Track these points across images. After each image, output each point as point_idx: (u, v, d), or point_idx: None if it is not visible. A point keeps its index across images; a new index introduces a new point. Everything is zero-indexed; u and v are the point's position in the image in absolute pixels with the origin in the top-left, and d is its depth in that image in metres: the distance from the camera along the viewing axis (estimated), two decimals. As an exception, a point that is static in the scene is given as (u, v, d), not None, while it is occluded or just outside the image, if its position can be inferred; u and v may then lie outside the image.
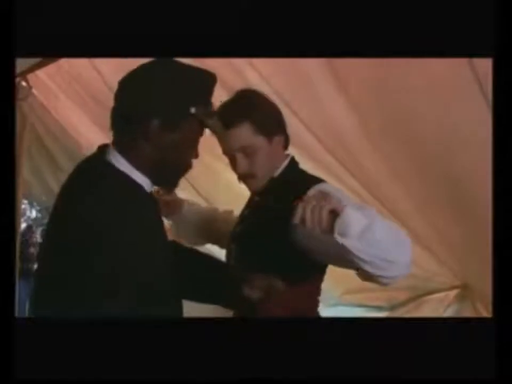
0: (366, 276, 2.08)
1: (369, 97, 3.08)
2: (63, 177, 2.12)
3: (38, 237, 12.17)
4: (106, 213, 1.91)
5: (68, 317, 1.86)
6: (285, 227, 2.30)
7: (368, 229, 1.97)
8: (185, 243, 2.92)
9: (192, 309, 2.28)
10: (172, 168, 2.12)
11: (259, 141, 2.47)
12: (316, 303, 2.57)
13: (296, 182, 2.47)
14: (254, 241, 2.50)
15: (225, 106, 2.51)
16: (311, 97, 3.30)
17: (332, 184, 2.62)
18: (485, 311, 4.13)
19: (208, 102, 2.14)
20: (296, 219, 1.93)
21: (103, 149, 2.12)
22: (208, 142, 2.51)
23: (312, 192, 2.28)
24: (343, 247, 1.97)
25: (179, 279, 2.13)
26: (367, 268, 2.01)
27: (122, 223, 1.91)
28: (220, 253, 3.04)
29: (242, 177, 2.54)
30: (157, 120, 2.02)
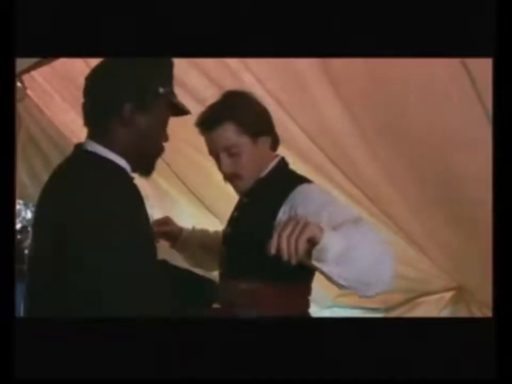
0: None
1: (365, 98, 3.09)
2: None
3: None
4: (88, 198, 1.94)
5: (68, 316, 1.86)
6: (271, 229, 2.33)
7: (347, 252, 1.95)
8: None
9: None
10: (147, 150, 2.18)
11: (243, 141, 2.46)
12: (307, 303, 2.56)
13: (284, 182, 2.46)
14: (243, 243, 2.49)
15: (211, 107, 2.53)
16: (306, 98, 3.30)
17: (322, 185, 2.62)
18: (480, 313, 4.14)
19: (171, 84, 2.24)
20: (272, 249, 1.88)
21: (78, 145, 2.18)
22: (201, 141, 2.52)
23: (286, 216, 2.30)
24: (321, 271, 1.97)
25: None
26: (349, 289, 2.01)
27: (106, 205, 1.94)
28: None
29: (228, 178, 2.53)
30: (129, 102, 2.10)
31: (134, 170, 2.19)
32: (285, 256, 1.87)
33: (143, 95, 2.12)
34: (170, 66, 2.25)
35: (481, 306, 4.13)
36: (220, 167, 2.53)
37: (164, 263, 2.11)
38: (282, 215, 2.35)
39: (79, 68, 4.18)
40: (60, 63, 4.11)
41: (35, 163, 5.43)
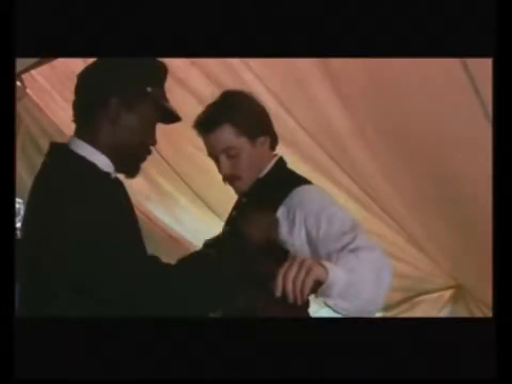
0: None
1: (365, 97, 3.09)
2: None
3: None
4: (70, 198, 1.95)
5: (68, 316, 1.86)
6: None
7: (351, 287, 2.01)
8: None
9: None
10: (131, 151, 2.16)
11: (242, 142, 2.45)
12: (306, 303, 2.56)
13: (282, 182, 2.46)
14: (241, 243, 2.50)
15: (208, 108, 2.52)
16: (306, 97, 3.31)
17: (323, 184, 2.62)
18: (479, 311, 4.15)
19: (162, 87, 2.23)
20: (277, 292, 1.89)
21: (61, 144, 2.25)
22: (201, 140, 2.52)
23: (284, 217, 2.34)
24: (326, 304, 2.04)
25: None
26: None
27: (85, 205, 1.94)
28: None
29: (228, 179, 2.53)
30: (115, 99, 2.10)
31: (118, 169, 2.18)
32: (291, 299, 1.88)
33: (129, 90, 2.12)
34: (163, 69, 2.24)
35: (480, 304, 4.14)
36: (219, 169, 2.53)
37: (155, 259, 2.09)
38: (280, 216, 2.36)
39: (79, 67, 4.18)
40: (59, 62, 4.12)
41: (35, 162, 5.42)
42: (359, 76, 2.92)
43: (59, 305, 1.94)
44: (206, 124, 2.47)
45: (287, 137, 2.69)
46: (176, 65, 3.69)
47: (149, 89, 2.15)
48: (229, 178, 2.51)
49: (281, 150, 2.67)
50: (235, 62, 3.37)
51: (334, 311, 2.06)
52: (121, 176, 2.23)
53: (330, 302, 2.01)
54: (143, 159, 2.23)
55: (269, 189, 2.46)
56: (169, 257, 2.47)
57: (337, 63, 2.91)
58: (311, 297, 2.33)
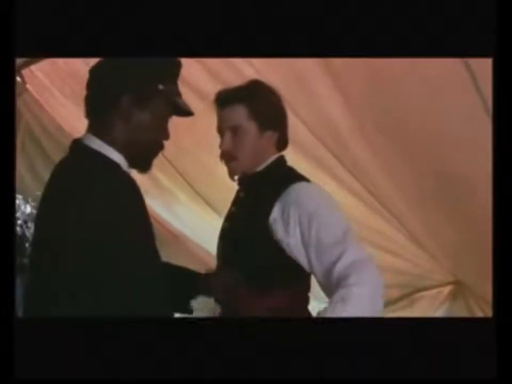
0: None
1: (366, 97, 3.09)
2: None
3: (32, 232, 12.11)
4: (86, 195, 1.93)
5: (68, 316, 1.86)
6: (267, 225, 2.35)
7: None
8: None
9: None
10: (144, 146, 2.16)
11: (250, 125, 2.48)
12: (306, 300, 2.57)
13: (280, 179, 2.47)
14: (240, 239, 2.50)
15: (231, 87, 2.55)
16: (308, 95, 3.31)
17: (323, 181, 2.63)
18: (478, 308, 4.16)
19: (175, 83, 2.25)
20: None
21: (77, 139, 2.16)
22: (204, 140, 2.53)
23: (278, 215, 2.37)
24: None
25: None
26: None
27: (100, 202, 1.93)
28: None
29: (225, 157, 2.54)
30: (127, 97, 2.09)
31: (131, 165, 2.17)
32: None
33: (141, 89, 2.12)
34: (177, 65, 2.26)
35: (479, 301, 4.14)
36: (221, 143, 2.54)
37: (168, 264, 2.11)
38: (276, 212, 2.37)
39: (79, 63, 4.19)
40: (59, 58, 4.11)
41: (34, 158, 5.43)
42: (361, 74, 2.93)
43: (76, 303, 1.92)
44: (223, 100, 2.53)
45: (289, 134, 2.69)
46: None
47: (161, 87, 2.15)
48: (226, 156, 2.53)
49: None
50: (238, 60, 3.37)
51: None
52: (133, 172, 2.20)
53: None
54: (156, 154, 2.23)
55: (267, 184, 2.47)
56: (167, 253, 2.48)
57: (338, 61, 2.91)
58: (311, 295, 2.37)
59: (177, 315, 2.14)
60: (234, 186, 2.69)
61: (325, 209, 2.38)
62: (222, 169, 2.62)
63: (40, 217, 2.10)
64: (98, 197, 1.93)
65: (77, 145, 2.13)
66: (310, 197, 2.40)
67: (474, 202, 3.22)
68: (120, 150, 2.11)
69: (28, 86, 5.09)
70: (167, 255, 2.35)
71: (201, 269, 2.75)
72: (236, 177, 2.59)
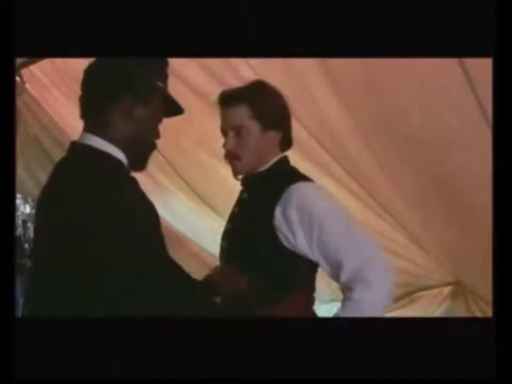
0: None
1: (364, 97, 3.10)
2: None
3: (32, 232, 12.15)
4: (89, 193, 1.93)
5: (68, 316, 1.86)
6: (271, 226, 2.35)
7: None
8: None
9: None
10: (143, 144, 2.18)
11: (252, 125, 2.49)
12: (311, 301, 2.57)
13: (283, 179, 2.47)
14: (243, 240, 2.50)
15: (233, 87, 2.56)
16: (306, 96, 3.31)
17: (323, 182, 2.63)
18: (477, 308, 4.16)
19: (166, 80, 2.24)
20: None
21: (74, 141, 2.15)
22: (204, 140, 2.53)
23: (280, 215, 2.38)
24: None
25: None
26: None
27: (106, 200, 1.93)
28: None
29: (229, 156, 2.54)
30: (128, 93, 2.10)
31: (130, 163, 2.17)
32: None
33: (141, 87, 2.13)
34: (166, 64, 2.26)
35: (479, 301, 4.14)
36: (224, 143, 2.55)
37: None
38: (278, 214, 2.37)
39: (78, 63, 4.18)
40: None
41: (33, 158, 5.42)
42: (359, 75, 2.93)
43: (71, 302, 1.93)
44: (226, 99, 2.53)
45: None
46: (174, 61, 3.69)
47: (159, 83, 2.17)
48: (230, 156, 2.53)
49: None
50: (236, 61, 3.37)
51: None
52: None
53: None
54: (151, 153, 2.24)
55: (270, 185, 2.47)
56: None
57: (336, 61, 2.91)
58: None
59: (177, 315, 2.13)
60: (233, 186, 2.69)
61: (325, 208, 2.38)
62: (221, 169, 2.62)
63: (41, 218, 2.09)
64: (104, 195, 1.93)
65: (77, 145, 2.12)
66: (309, 197, 2.39)
67: (473, 202, 3.23)
68: (120, 147, 2.11)
69: (27, 85, 5.09)
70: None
71: (201, 270, 2.75)
72: (240, 177, 2.59)
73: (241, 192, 2.65)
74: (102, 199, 1.92)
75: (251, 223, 2.48)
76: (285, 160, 2.59)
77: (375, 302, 2.27)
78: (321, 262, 2.36)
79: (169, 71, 2.25)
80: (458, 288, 4.33)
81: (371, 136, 3.27)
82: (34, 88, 5.14)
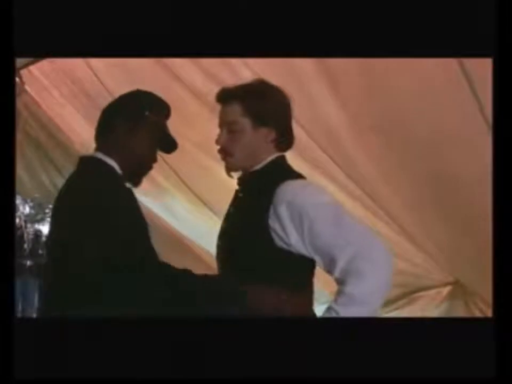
0: None
1: (363, 98, 3.10)
2: (55, 173, 2.23)
3: (31, 233, 12.19)
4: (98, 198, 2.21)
5: (68, 316, 1.86)
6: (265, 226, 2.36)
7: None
8: None
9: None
10: (138, 167, 2.53)
11: (244, 121, 2.48)
12: (310, 301, 2.56)
13: (278, 178, 2.46)
14: (238, 240, 2.50)
15: (231, 85, 2.57)
16: (304, 96, 3.31)
17: (321, 182, 2.62)
18: (476, 309, 4.16)
19: (162, 109, 2.58)
20: None
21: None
22: (203, 142, 2.53)
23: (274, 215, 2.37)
24: None
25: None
26: None
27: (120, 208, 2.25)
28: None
29: (221, 152, 2.55)
30: (122, 122, 2.46)
31: (126, 179, 2.50)
32: None
33: (133, 117, 2.47)
34: (166, 107, 2.58)
35: (477, 301, 4.15)
36: (217, 140, 2.56)
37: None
38: (271, 213, 2.37)
39: (77, 63, 4.19)
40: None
41: (32, 158, 5.42)
42: (358, 75, 2.93)
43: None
44: (222, 97, 2.54)
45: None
46: (173, 61, 3.70)
47: (147, 113, 2.47)
48: (223, 152, 2.54)
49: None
50: (235, 61, 3.37)
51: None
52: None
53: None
54: (146, 173, 2.59)
55: (264, 184, 2.46)
56: (164, 251, 2.50)
57: (335, 62, 2.92)
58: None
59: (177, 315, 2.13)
60: (232, 188, 2.69)
61: (315, 203, 2.37)
62: (222, 171, 2.62)
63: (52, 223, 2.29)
64: (115, 203, 2.26)
65: (85, 158, 2.48)
66: (299, 193, 2.38)
67: (472, 203, 3.23)
68: (119, 165, 2.46)
69: (26, 86, 5.09)
70: (163, 253, 2.38)
71: (202, 270, 2.76)
72: (233, 174, 2.59)
73: (237, 191, 2.65)
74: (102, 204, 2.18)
75: (246, 222, 2.47)
76: (281, 159, 2.57)
77: (368, 296, 2.26)
78: (316, 257, 2.35)
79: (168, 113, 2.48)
80: (457, 289, 4.33)
81: (369, 136, 3.27)
82: (34, 88, 5.14)
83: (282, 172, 2.51)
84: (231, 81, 3.11)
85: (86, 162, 2.46)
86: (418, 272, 4.34)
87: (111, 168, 2.43)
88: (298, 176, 2.49)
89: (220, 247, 2.63)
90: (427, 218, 3.71)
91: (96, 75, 4.28)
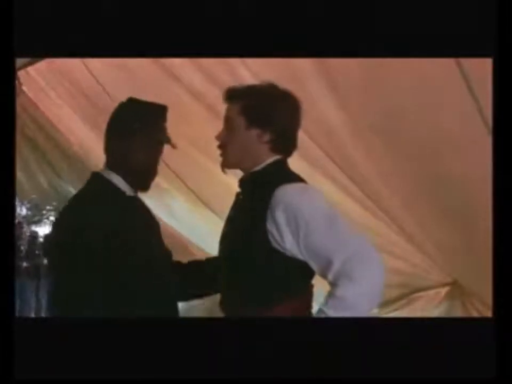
0: None
1: (362, 98, 3.10)
2: (53, 174, 2.26)
3: (28, 234, 12.17)
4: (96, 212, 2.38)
5: (68, 317, 1.86)
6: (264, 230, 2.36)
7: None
8: None
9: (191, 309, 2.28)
10: (141, 172, 2.70)
11: (238, 120, 2.51)
12: (309, 306, 2.55)
13: (277, 181, 2.45)
14: (238, 243, 2.50)
15: (239, 85, 2.60)
16: (303, 95, 3.31)
17: (320, 183, 2.62)
18: (475, 309, 4.16)
19: (155, 114, 2.70)
20: None
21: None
22: (203, 143, 2.52)
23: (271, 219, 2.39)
24: None
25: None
26: None
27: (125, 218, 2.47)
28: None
29: (219, 147, 2.59)
30: (118, 137, 2.65)
31: (133, 187, 2.69)
32: None
33: (124, 131, 2.62)
34: (162, 110, 2.70)
35: (476, 302, 4.14)
36: (217, 135, 2.58)
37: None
38: (269, 217, 2.37)
39: (74, 64, 4.18)
40: (54, 58, 4.11)
41: (30, 159, 5.42)
42: (357, 75, 2.93)
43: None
44: (227, 95, 2.58)
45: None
46: (172, 61, 3.69)
47: (137, 124, 2.60)
48: (220, 149, 2.56)
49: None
50: (233, 61, 3.37)
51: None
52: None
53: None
54: (152, 178, 2.78)
55: (264, 188, 2.45)
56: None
57: (334, 62, 2.91)
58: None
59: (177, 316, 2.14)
60: (234, 189, 2.69)
61: (310, 207, 2.37)
62: (220, 169, 2.62)
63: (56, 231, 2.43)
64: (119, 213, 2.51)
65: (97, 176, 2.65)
66: (295, 198, 2.38)
67: (472, 203, 3.23)
68: (121, 175, 2.64)
69: (23, 87, 5.08)
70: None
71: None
72: (233, 175, 2.60)
73: (238, 194, 2.65)
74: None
75: (245, 226, 2.47)
76: (279, 162, 2.56)
77: (358, 300, 2.25)
78: (310, 262, 2.35)
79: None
80: (455, 289, 4.32)
81: (369, 136, 3.27)
82: (31, 89, 5.13)
83: (281, 176, 2.50)
84: (229, 80, 3.12)
85: (91, 182, 2.63)
86: (417, 273, 4.33)
87: (114, 188, 2.60)
88: (298, 179, 2.48)
89: (221, 251, 2.63)
90: (426, 219, 3.71)
91: (93, 75, 4.28)
